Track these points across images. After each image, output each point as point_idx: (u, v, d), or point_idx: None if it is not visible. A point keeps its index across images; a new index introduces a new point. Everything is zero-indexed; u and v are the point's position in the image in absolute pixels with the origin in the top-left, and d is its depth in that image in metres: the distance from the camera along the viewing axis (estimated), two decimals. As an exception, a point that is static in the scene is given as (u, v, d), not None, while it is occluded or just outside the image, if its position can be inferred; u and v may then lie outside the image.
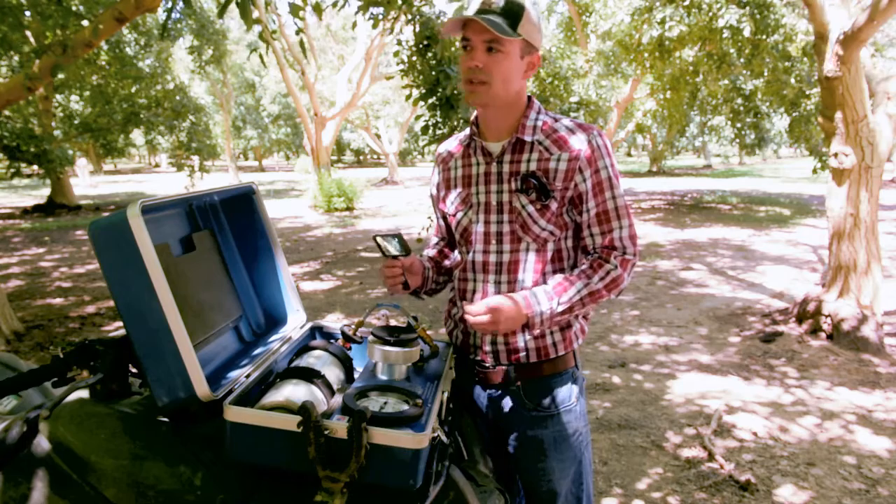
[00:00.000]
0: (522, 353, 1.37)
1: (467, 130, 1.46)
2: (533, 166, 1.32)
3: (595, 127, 1.35)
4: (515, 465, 1.44)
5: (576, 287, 1.31)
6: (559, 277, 1.33)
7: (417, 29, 4.90)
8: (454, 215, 1.45)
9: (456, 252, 1.59)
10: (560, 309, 1.30)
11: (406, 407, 1.09)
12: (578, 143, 1.31)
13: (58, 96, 14.38)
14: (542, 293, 1.30)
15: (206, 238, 1.45)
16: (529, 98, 1.39)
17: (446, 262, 1.58)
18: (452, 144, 1.50)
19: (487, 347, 1.39)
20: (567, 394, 1.40)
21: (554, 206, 1.32)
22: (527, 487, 1.45)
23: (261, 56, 4.66)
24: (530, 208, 1.32)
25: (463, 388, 1.47)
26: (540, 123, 1.35)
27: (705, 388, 3.70)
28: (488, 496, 1.21)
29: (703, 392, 3.63)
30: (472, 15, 1.23)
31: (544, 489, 1.42)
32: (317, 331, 1.56)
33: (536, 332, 1.36)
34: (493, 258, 1.38)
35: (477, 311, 1.27)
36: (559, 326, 1.37)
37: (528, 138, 1.34)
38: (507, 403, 1.40)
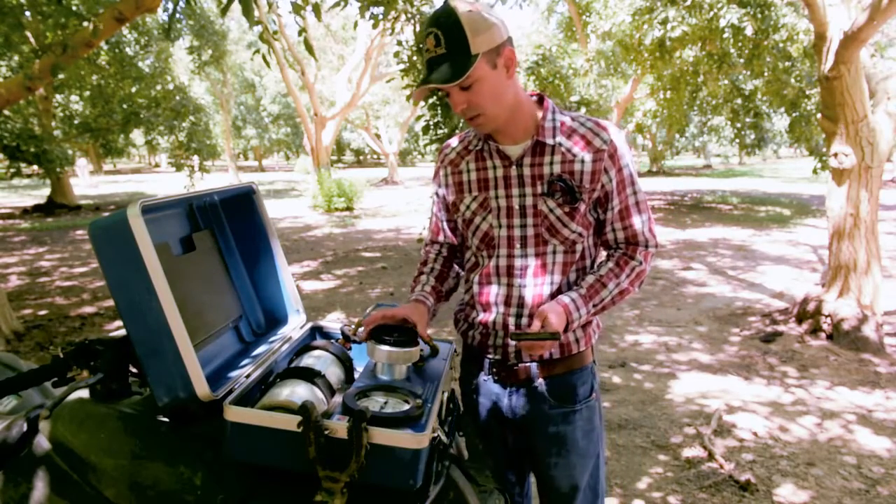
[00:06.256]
0: (546, 351, 1.35)
1: (472, 130, 1.40)
2: (557, 169, 1.31)
3: (612, 124, 1.34)
4: (537, 462, 1.43)
5: (608, 288, 1.34)
6: (590, 279, 1.35)
7: (417, 29, 4.89)
8: (471, 220, 1.40)
9: (454, 267, 1.54)
10: (594, 311, 1.33)
11: (406, 407, 1.09)
12: (601, 142, 1.31)
13: (58, 96, 14.38)
14: (579, 298, 1.31)
15: (207, 238, 1.44)
16: (541, 97, 1.36)
17: (445, 287, 1.50)
18: (459, 145, 1.44)
19: (510, 347, 1.38)
20: (587, 389, 1.42)
21: (582, 207, 1.32)
22: (547, 483, 1.44)
23: (264, 57, 4.62)
24: (558, 212, 1.32)
25: (470, 388, 1.47)
26: (558, 124, 1.33)
27: (705, 387, 3.70)
28: (488, 496, 1.21)
29: (704, 392, 3.63)
30: (428, 82, 1.21)
31: (566, 484, 1.42)
32: (317, 331, 1.56)
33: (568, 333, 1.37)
34: (518, 262, 1.36)
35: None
36: None
37: (549, 141, 1.31)
38: (530, 401, 1.39)
